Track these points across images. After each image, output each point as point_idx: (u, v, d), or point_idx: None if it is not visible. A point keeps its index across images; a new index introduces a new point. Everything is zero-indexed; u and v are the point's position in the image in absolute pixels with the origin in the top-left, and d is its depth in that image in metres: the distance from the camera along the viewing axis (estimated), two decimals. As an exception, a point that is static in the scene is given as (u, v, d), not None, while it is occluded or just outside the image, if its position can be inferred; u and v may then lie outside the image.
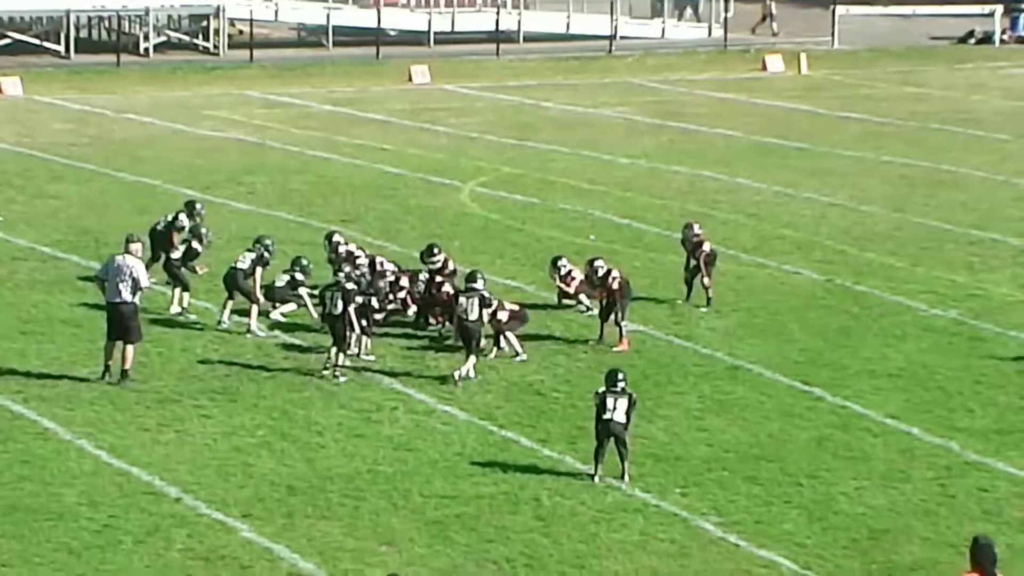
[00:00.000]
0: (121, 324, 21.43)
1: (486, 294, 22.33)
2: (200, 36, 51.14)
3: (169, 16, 51.36)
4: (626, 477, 18.76)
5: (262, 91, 45.02)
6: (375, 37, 51.29)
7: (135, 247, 21.78)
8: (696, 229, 25.79)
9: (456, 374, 21.76)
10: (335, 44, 51.98)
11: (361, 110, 42.51)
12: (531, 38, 53.64)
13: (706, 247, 25.47)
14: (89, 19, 51.05)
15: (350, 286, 22.36)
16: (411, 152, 36.98)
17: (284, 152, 36.86)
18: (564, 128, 40.53)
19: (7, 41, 47.88)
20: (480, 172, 34.95)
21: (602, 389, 19.01)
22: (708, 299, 25.38)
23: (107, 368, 21.46)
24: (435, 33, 52.77)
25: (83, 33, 50.68)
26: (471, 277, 22.61)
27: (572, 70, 49.81)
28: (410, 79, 47.27)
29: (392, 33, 52.75)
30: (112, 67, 47.68)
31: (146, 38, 49.85)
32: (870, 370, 22.79)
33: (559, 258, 25.37)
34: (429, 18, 52.95)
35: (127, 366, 21.38)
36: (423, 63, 48.39)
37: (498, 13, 52.95)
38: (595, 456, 18.83)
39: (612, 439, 18.74)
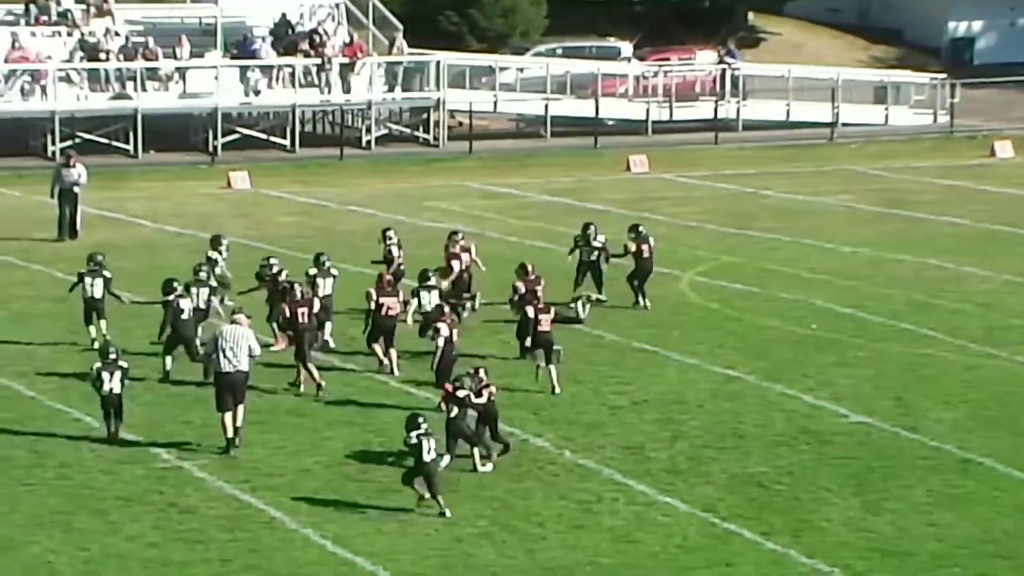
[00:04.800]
0: (235, 391, 22.20)
1: None
2: (420, 128, 51.84)
3: (391, 109, 52.15)
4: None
5: (481, 182, 45.40)
6: (593, 127, 51.50)
7: (241, 317, 22.92)
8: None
9: None
10: (553, 134, 52.29)
11: (579, 200, 42.60)
12: (750, 126, 53.38)
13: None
14: (314, 113, 52.05)
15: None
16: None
17: (502, 242, 37.02)
18: (784, 216, 40.14)
19: (236, 136, 49.02)
20: (699, 261, 34.71)
21: None
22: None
23: (230, 441, 22.09)
24: (653, 122, 52.81)
25: (308, 127, 51.66)
26: None
27: (792, 158, 49.39)
28: (628, 168, 47.29)
29: (610, 123, 52.90)
30: (335, 160, 48.51)
31: (368, 131, 50.67)
32: (1110, 464, 21.98)
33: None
34: (647, 107, 53.02)
35: (240, 426, 22.23)
36: (641, 152, 48.41)
37: (716, 102, 52.82)
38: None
39: None
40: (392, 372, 25.59)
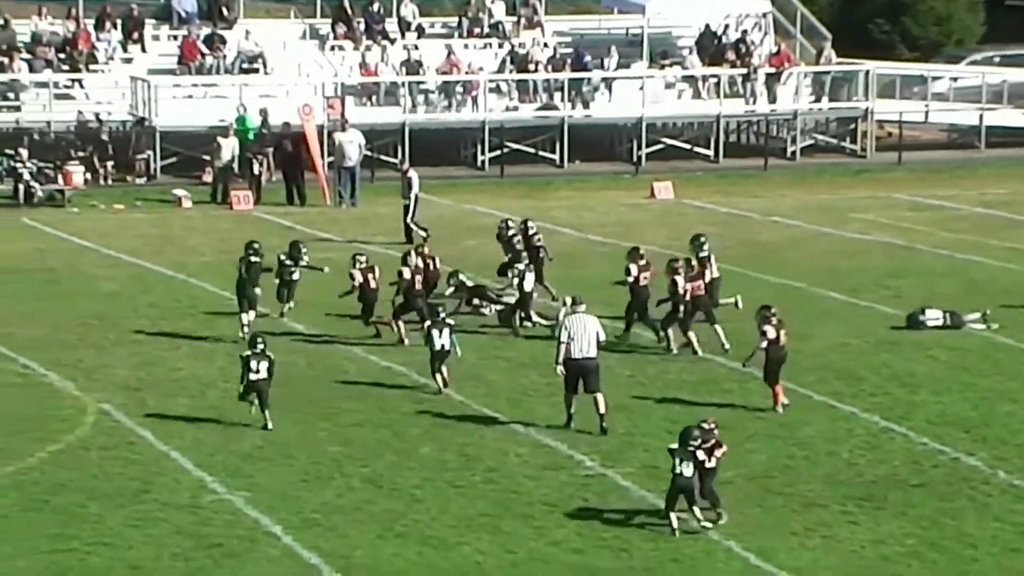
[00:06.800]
0: (587, 377, 23.08)
1: None
2: (847, 139, 51.01)
3: (817, 120, 51.49)
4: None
5: (910, 193, 44.38)
6: (1030, 137, 49.83)
7: (582, 307, 23.55)
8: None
9: None
10: (988, 145, 50.75)
11: (1015, 212, 41.21)
12: None
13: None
14: (738, 124, 51.79)
15: None
16: (1071, 256, 35.49)
17: (932, 255, 36.12)
18: None
19: (660, 146, 49.17)
20: None
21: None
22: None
23: (570, 417, 23.22)
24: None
25: (731, 137, 51.45)
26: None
27: None
28: (1069, 180, 45.60)
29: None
30: (759, 170, 48.16)
31: (793, 141, 50.13)
32: None
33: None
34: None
35: (604, 413, 23.14)
36: (1081, 165, 46.63)
37: None
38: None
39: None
40: (696, 352, 27.06)
